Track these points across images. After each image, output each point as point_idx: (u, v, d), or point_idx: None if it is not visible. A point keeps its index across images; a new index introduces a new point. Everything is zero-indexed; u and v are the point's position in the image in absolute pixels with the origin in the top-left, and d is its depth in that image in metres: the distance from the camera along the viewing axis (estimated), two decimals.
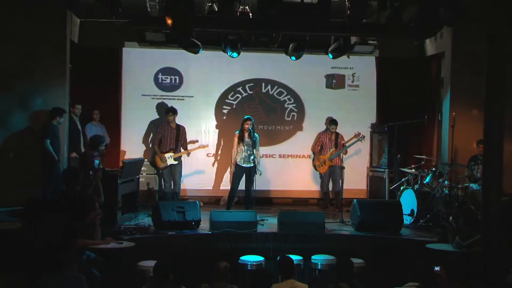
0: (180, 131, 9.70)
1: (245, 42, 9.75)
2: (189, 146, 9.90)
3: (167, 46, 9.91)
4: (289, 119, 10.93)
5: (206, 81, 10.71)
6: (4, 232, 6.75)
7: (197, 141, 10.32)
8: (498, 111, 6.35)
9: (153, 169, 9.93)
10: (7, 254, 6.23)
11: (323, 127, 10.65)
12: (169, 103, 10.37)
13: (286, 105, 10.90)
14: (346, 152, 10.32)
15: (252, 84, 10.83)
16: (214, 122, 10.75)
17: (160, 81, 10.65)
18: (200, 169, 10.61)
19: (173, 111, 9.70)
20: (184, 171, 9.86)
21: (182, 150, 9.70)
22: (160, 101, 10.60)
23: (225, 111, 10.78)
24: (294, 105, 10.91)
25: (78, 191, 6.99)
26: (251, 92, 10.82)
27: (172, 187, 9.64)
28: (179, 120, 9.80)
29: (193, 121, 10.53)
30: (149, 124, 10.54)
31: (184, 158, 9.76)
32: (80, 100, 9.63)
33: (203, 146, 10.13)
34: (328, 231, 8.20)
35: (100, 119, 10.04)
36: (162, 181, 9.71)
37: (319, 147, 10.40)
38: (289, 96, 10.90)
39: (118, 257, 6.67)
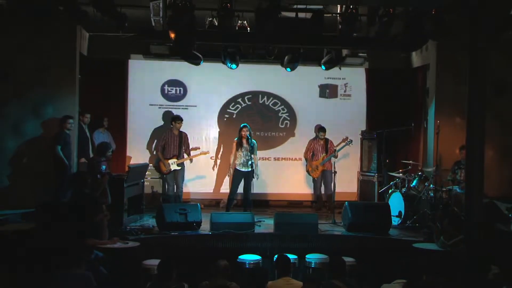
0: (182, 137, 9.68)
1: (244, 55, 9.80)
2: (191, 153, 9.87)
3: (170, 58, 9.99)
4: (283, 126, 10.97)
5: (207, 92, 10.77)
6: (17, 233, 6.73)
7: (198, 148, 10.31)
8: (479, 119, 6.38)
9: (157, 173, 9.93)
10: (20, 254, 6.21)
11: (314, 134, 10.66)
12: (175, 112, 10.39)
13: (280, 114, 10.95)
14: (337, 156, 10.32)
15: (250, 95, 10.90)
16: (216, 130, 10.79)
17: (166, 92, 10.69)
18: (202, 173, 10.59)
19: (181, 119, 9.70)
20: (186, 175, 9.82)
21: (185, 156, 9.68)
22: (166, 110, 10.64)
23: (226, 119, 10.81)
24: (287, 114, 10.96)
25: (87, 194, 6.98)
26: (250, 103, 10.90)
27: (175, 190, 9.62)
28: (183, 127, 9.78)
29: (196, 128, 10.58)
30: (153, 131, 10.55)
31: (186, 163, 9.74)
32: (89, 108, 9.60)
33: (204, 153, 10.09)
34: (321, 232, 8.18)
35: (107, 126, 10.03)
36: (166, 184, 9.70)
37: (311, 154, 10.40)
38: (282, 106, 10.96)
39: (124, 256, 6.65)
